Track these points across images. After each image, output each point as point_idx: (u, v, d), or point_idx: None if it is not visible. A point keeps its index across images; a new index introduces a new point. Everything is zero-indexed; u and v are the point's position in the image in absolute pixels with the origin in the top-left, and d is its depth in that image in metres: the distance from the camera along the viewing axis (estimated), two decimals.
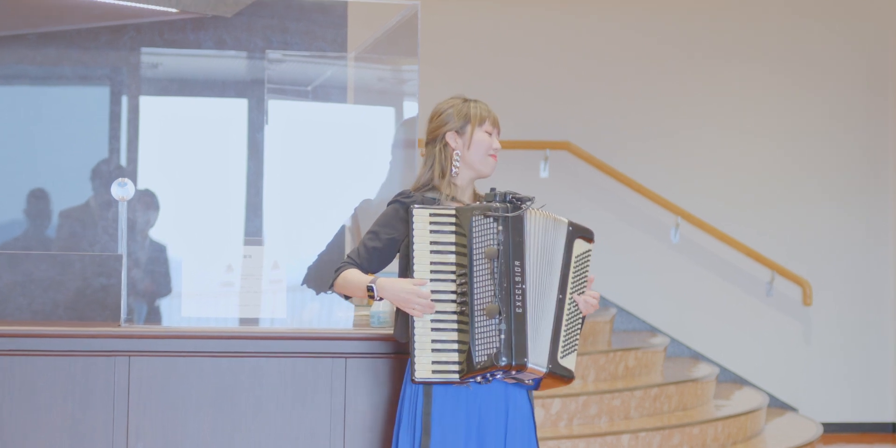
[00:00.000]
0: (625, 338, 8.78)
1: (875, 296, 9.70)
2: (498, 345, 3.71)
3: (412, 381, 3.78)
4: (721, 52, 9.61)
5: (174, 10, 5.46)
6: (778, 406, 9.36)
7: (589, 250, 3.94)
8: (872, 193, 9.72)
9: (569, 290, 3.87)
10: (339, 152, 5.88)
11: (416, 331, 3.78)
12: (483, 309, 3.73)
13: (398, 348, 4.17)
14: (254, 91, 5.98)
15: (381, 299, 3.87)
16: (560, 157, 9.25)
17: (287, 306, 4.62)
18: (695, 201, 9.43)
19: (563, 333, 3.83)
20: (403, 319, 3.91)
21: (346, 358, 4.25)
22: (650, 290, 9.36)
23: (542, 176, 9.10)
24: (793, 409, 9.41)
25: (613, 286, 9.28)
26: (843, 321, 9.66)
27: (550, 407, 7.07)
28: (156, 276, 5.84)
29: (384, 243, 3.96)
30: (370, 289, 3.87)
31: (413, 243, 3.81)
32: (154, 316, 5.69)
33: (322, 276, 4.22)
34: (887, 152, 9.73)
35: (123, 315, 4.50)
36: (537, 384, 3.89)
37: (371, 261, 3.97)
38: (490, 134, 3.99)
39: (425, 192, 4.00)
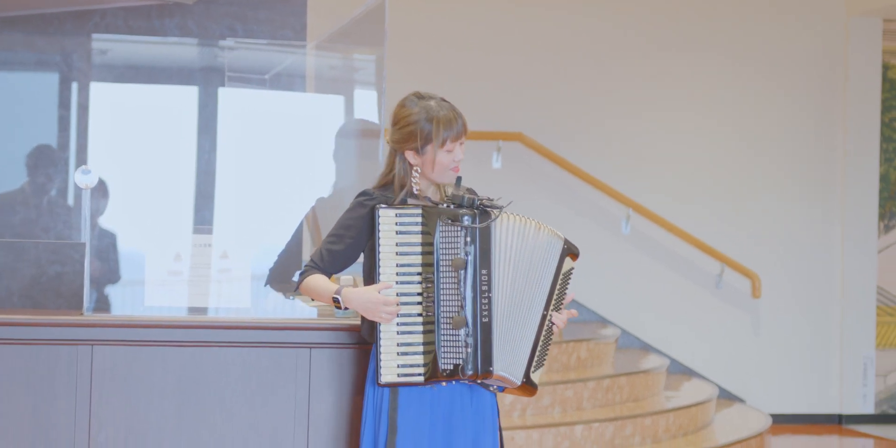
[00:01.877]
0: (576, 329, 8.79)
1: (822, 289, 9.78)
2: (464, 356, 3.71)
3: (378, 383, 3.76)
4: (674, 44, 9.65)
5: None
6: (726, 397, 9.42)
7: (573, 268, 3.92)
8: (822, 187, 9.79)
9: (552, 306, 3.84)
10: (295, 141, 5.84)
11: (381, 335, 3.75)
12: (450, 319, 3.71)
13: (363, 339, 4.13)
14: (208, 78, 5.93)
15: (346, 309, 3.82)
16: (512, 148, 9.26)
17: (250, 295, 4.60)
18: (646, 193, 9.47)
19: (539, 348, 3.82)
20: (370, 322, 3.88)
21: (310, 348, 4.21)
22: (601, 282, 9.38)
23: (495, 167, 9.10)
24: (741, 401, 9.48)
25: None
26: (791, 314, 9.74)
27: (504, 397, 7.05)
28: (106, 264, 5.79)
29: (346, 246, 3.88)
30: (336, 300, 3.81)
31: (379, 245, 3.75)
32: (103, 304, 5.64)
33: (284, 279, 4.18)
34: (837, 148, 9.80)
35: (86, 304, 4.46)
36: (500, 389, 3.89)
37: (334, 264, 3.91)
38: (452, 151, 3.86)
39: (386, 191, 3.91)
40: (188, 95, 6.08)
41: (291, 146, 5.78)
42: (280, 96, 5.97)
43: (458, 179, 3.89)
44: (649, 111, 9.62)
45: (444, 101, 3.89)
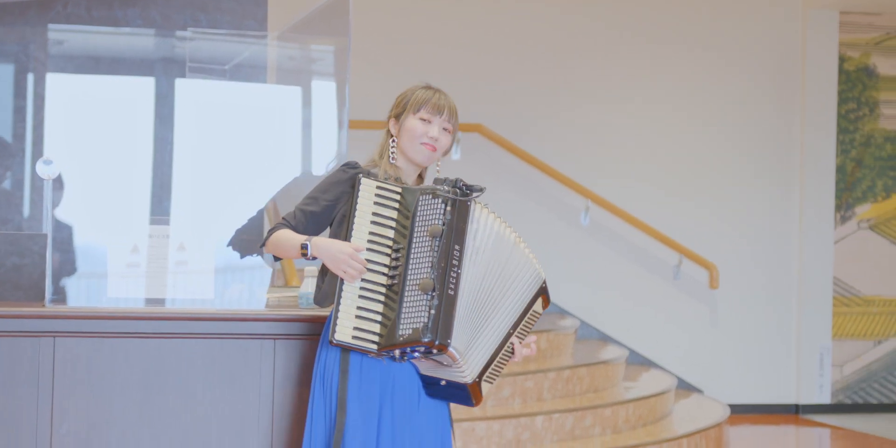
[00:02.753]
0: None
1: (779, 280, 9.83)
2: (426, 320, 3.66)
3: (329, 341, 3.72)
4: (634, 36, 9.67)
5: None
6: (685, 388, 9.46)
7: (541, 313, 3.94)
8: (779, 179, 9.84)
9: (516, 333, 3.84)
10: (255, 133, 5.81)
11: (342, 294, 3.72)
12: (418, 283, 3.69)
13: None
14: (167, 69, 5.89)
15: (313, 258, 3.80)
16: (472, 139, 9.26)
17: (213, 287, 4.57)
18: (605, 185, 9.49)
19: (496, 361, 3.81)
20: (331, 283, 3.85)
21: (274, 339, 4.19)
22: (560, 273, 9.39)
23: (454, 158, 9.08)
24: (699, 391, 9.52)
25: None
26: (749, 304, 9.79)
27: None
28: (62, 255, 5.75)
29: (322, 208, 3.91)
30: (304, 246, 3.80)
31: (355, 212, 3.76)
32: (59, 296, 5.60)
33: (250, 240, 4.15)
34: (794, 140, 9.85)
35: (49, 295, 4.41)
36: (449, 394, 3.85)
37: (307, 225, 3.91)
38: (427, 121, 3.92)
39: (369, 165, 3.97)
40: (146, 86, 6.04)
41: (251, 137, 5.75)
42: (240, 87, 5.93)
43: (443, 176, 3.87)
44: (608, 102, 9.64)
45: (447, 95, 4.00)
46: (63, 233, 5.88)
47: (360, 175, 3.80)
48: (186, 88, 5.82)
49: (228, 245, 4.46)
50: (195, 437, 4.14)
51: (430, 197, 3.76)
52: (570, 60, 9.58)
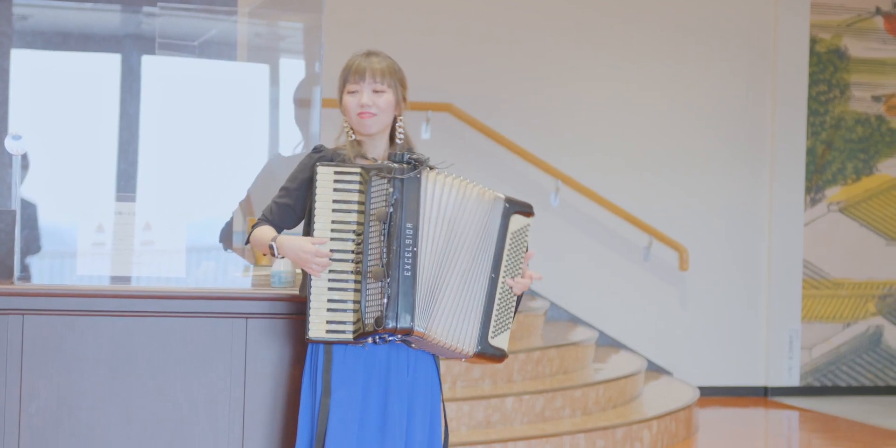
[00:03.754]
0: None
1: (749, 262, 9.84)
2: (383, 308, 3.65)
3: (305, 339, 3.73)
4: (604, 14, 9.64)
5: None
6: (654, 370, 9.46)
7: (527, 225, 3.88)
8: (750, 161, 9.84)
9: (502, 269, 3.80)
10: (222, 111, 5.76)
11: (312, 289, 3.72)
12: (369, 271, 3.68)
13: (300, 309, 4.07)
14: (133, 45, 5.82)
15: (282, 257, 3.81)
16: (442, 118, 9.21)
17: (185, 265, 4.54)
18: (575, 166, 9.47)
19: (495, 313, 3.78)
20: (305, 277, 3.84)
21: (246, 318, 4.15)
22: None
23: (424, 137, 9.04)
24: (669, 373, 9.52)
25: None
26: (718, 287, 9.79)
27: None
28: (27, 234, 5.70)
29: (294, 199, 3.90)
30: (271, 247, 3.81)
31: (315, 201, 3.73)
32: (24, 274, 5.56)
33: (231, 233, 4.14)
34: (765, 120, 9.85)
35: (17, 273, 4.35)
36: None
37: (283, 217, 3.91)
38: (355, 92, 3.88)
39: (339, 148, 3.92)
40: (113, 63, 5.98)
41: (219, 116, 5.70)
42: (209, 64, 5.88)
43: (395, 152, 3.83)
44: (579, 82, 9.61)
45: (375, 54, 4.00)
46: (28, 211, 5.82)
47: (318, 164, 3.77)
48: (154, 65, 5.76)
49: (220, 241, 4.44)
50: (165, 415, 4.09)
51: (377, 178, 3.72)
52: (542, 40, 9.54)
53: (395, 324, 3.65)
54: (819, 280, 9.99)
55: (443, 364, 7.07)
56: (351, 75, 3.90)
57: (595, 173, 9.53)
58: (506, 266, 3.81)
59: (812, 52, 9.93)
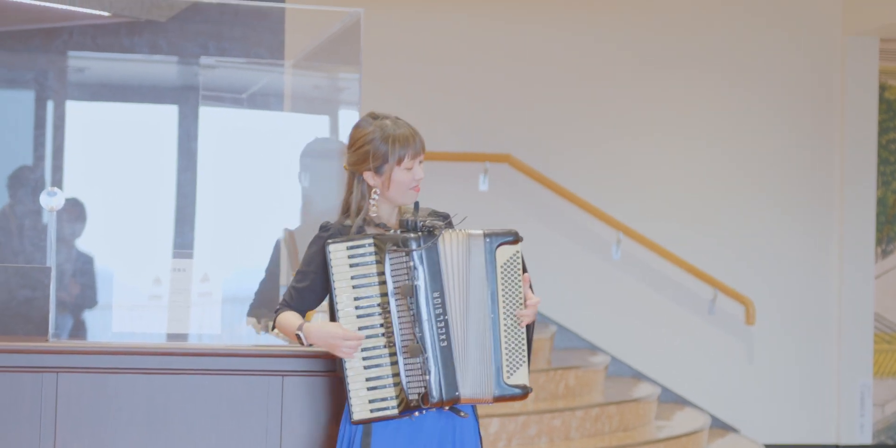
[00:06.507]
0: (565, 356, 8.69)
1: (818, 315, 9.66)
2: (426, 385, 3.64)
3: (351, 422, 3.69)
4: (666, 62, 9.55)
5: (107, 14, 5.32)
6: (720, 427, 9.28)
7: (516, 252, 3.76)
8: (817, 210, 9.68)
9: (500, 305, 3.72)
10: (274, 162, 5.75)
11: (348, 371, 3.68)
12: (405, 348, 3.65)
13: (336, 366, 4.01)
14: (186, 97, 5.87)
15: (311, 345, 3.77)
16: (500, 170, 9.13)
17: (220, 321, 4.51)
18: (637, 217, 9.35)
19: (504, 352, 3.71)
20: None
21: (282, 376, 4.12)
22: (591, 308, 9.26)
23: (482, 189, 8.98)
24: (735, 430, 9.34)
25: (553, 303, 9.16)
26: (787, 340, 9.61)
27: (489, 427, 6.96)
28: (83, 288, 5.70)
29: (311, 281, 3.83)
30: (298, 336, 3.76)
31: (333, 281, 3.68)
32: (80, 330, 5.56)
33: (267, 306, 4.10)
34: (833, 167, 9.69)
35: (51, 329, 4.37)
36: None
37: (304, 300, 3.86)
38: (411, 168, 3.77)
39: (346, 219, 3.84)
40: (168, 114, 6.01)
41: (272, 166, 5.72)
42: (258, 115, 5.90)
43: (416, 204, 3.80)
44: (640, 132, 9.51)
45: (400, 119, 3.81)
46: (84, 264, 5.82)
47: (327, 243, 3.69)
48: (206, 117, 5.79)
49: (249, 315, 4.44)
50: None
51: (396, 250, 3.66)
52: (602, 89, 9.46)
53: (440, 397, 3.65)
54: (891, 334, 9.78)
55: (497, 422, 6.96)
56: (411, 154, 3.76)
57: (657, 225, 9.41)
58: (503, 301, 3.72)
59: (881, 99, 9.77)
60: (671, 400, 9.27)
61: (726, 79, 9.62)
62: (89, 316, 5.77)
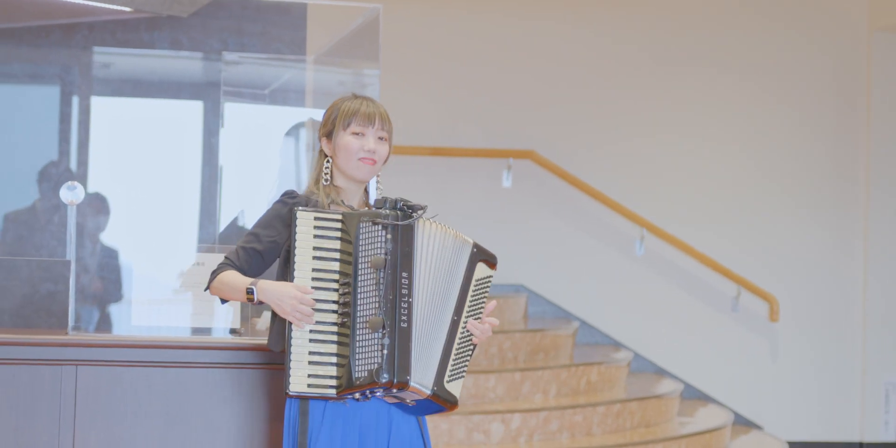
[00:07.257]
0: (587, 352, 8.67)
1: (843, 312, 9.61)
2: (380, 360, 3.53)
3: (285, 394, 3.59)
4: (689, 60, 9.52)
5: (128, 10, 5.32)
6: (743, 423, 9.25)
7: (490, 276, 3.77)
8: (842, 207, 9.64)
9: (464, 314, 3.69)
10: (295, 157, 5.76)
11: (293, 341, 3.57)
12: (366, 321, 3.54)
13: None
14: (209, 93, 5.88)
15: (259, 303, 3.64)
16: (524, 166, 9.11)
17: (241, 315, 4.54)
18: (661, 213, 9.33)
19: (452, 357, 3.66)
20: (280, 327, 3.69)
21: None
22: (614, 304, 9.24)
23: (505, 185, 8.96)
24: (758, 427, 9.31)
25: (576, 299, 9.16)
26: (810, 338, 9.57)
27: (510, 422, 6.95)
28: (106, 282, 5.72)
29: (265, 246, 3.73)
30: (250, 290, 3.63)
31: (295, 248, 3.59)
32: (105, 323, 5.58)
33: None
34: (858, 164, 9.65)
35: (71, 323, 4.39)
36: (421, 408, 3.71)
37: (250, 263, 3.74)
38: (360, 134, 3.73)
39: (311, 193, 3.79)
40: (191, 110, 6.04)
41: (294, 160, 5.74)
42: (280, 111, 5.92)
43: (383, 198, 3.70)
44: (664, 129, 9.48)
45: (373, 100, 3.81)
46: (108, 258, 5.84)
47: (297, 208, 3.62)
48: (228, 112, 5.81)
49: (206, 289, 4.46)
50: None
51: (370, 224, 3.60)
52: (626, 86, 9.44)
53: (391, 377, 3.54)
54: None
55: (518, 417, 6.96)
56: (359, 118, 3.74)
57: (681, 221, 9.38)
58: (468, 311, 3.71)
59: None
60: (694, 396, 9.25)
61: (749, 77, 9.59)
62: (115, 309, 5.79)
